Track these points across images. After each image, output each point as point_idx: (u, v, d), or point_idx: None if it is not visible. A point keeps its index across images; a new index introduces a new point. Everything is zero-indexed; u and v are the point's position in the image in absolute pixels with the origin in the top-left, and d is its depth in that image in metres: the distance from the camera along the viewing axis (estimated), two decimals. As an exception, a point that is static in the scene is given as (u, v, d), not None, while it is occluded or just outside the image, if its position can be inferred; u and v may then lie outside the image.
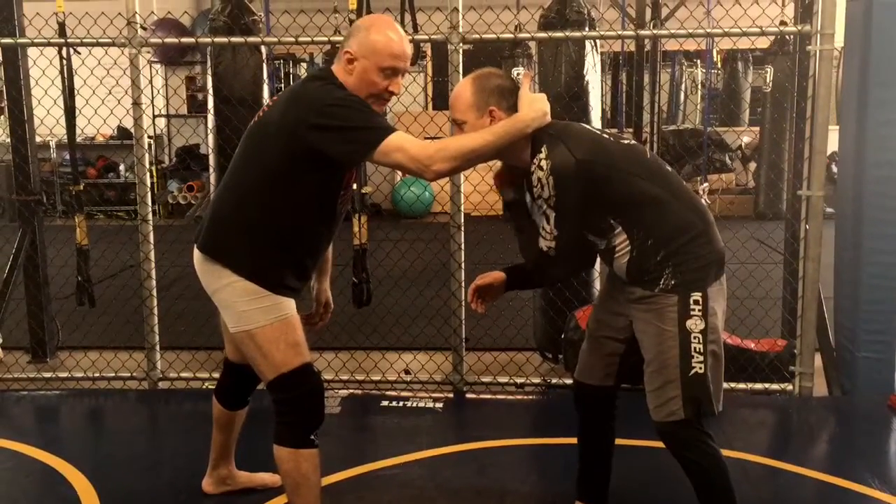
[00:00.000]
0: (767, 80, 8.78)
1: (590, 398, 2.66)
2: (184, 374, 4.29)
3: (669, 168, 2.48)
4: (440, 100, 10.67)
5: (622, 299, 2.50)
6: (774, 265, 5.33)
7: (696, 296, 2.32)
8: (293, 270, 2.50)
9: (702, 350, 2.31)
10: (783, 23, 8.12)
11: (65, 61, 4.60)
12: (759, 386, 4.08)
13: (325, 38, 4.10)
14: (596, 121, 4.45)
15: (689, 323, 2.31)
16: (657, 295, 2.35)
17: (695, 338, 2.31)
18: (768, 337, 4.38)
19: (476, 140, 2.33)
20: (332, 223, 2.56)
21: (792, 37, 5.87)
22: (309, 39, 4.11)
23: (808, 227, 3.97)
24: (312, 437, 2.47)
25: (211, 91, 4.57)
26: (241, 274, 2.43)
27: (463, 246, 4.11)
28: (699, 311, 2.32)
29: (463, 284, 4.08)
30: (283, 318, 2.45)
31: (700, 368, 2.31)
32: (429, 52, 10.93)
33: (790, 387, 4.06)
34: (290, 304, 2.50)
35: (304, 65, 11.75)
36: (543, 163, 2.28)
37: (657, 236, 2.34)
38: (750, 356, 4.12)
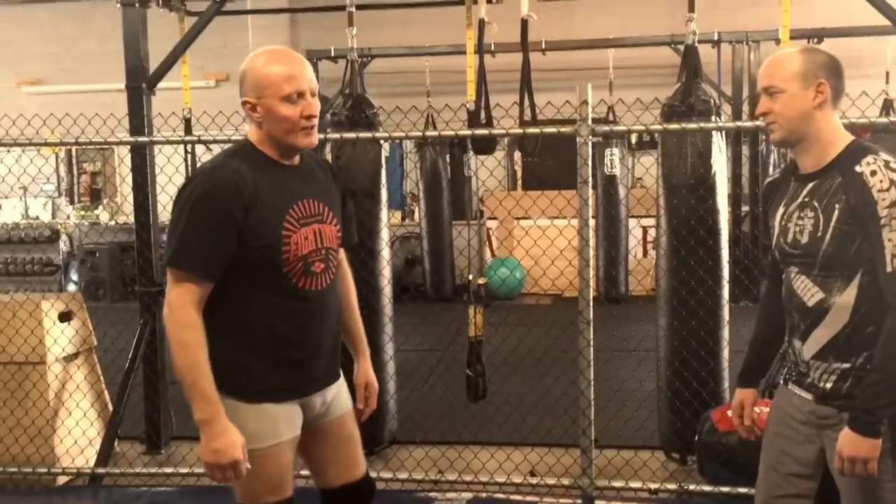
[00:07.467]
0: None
1: None
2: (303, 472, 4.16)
3: None
4: (532, 181, 10.49)
5: (811, 421, 2.17)
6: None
7: None
8: (274, 365, 2.23)
9: None
10: (889, 103, 7.95)
11: (188, 154, 4.73)
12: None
13: (453, 132, 4.08)
14: (723, 204, 4.28)
15: None
16: None
17: None
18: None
19: (186, 350, 2.10)
20: (292, 296, 2.23)
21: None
22: (436, 133, 4.10)
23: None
24: None
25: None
26: (221, 391, 2.14)
27: (592, 342, 3.95)
28: None
29: (592, 382, 3.91)
30: (258, 451, 2.22)
31: None
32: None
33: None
34: (273, 429, 2.25)
35: (386, 144, 11.89)
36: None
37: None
38: None
